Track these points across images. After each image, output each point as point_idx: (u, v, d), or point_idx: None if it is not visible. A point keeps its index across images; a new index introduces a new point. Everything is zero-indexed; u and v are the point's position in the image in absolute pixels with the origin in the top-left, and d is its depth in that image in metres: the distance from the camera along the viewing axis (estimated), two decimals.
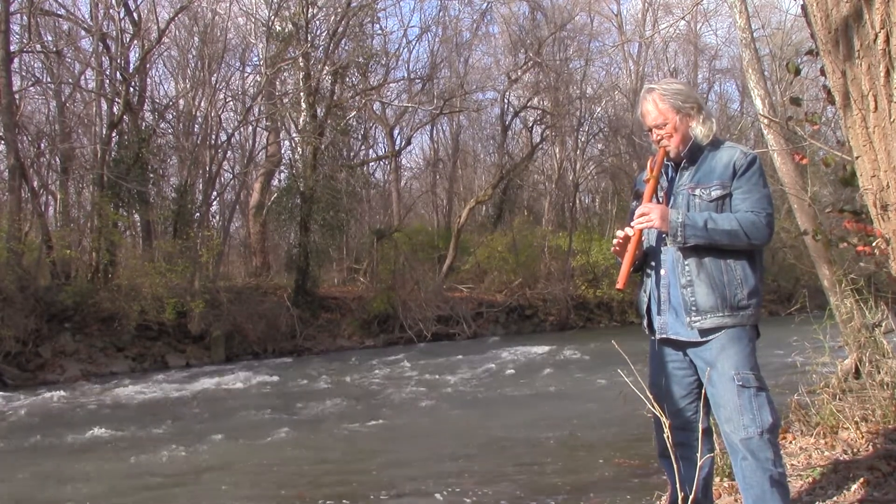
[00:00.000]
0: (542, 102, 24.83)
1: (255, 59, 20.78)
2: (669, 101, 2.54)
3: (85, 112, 17.93)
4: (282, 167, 22.90)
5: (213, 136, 18.80)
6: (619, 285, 2.49)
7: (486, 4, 24.39)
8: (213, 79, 18.26)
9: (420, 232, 24.17)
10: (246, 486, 5.67)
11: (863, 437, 3.66)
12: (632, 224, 2.53)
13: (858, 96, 2.11)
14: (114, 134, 16.70)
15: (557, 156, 26.04)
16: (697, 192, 2.51)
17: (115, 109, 16.47)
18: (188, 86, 18.92)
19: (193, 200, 18.07)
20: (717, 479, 3.28)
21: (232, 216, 21.16)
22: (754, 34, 6.92)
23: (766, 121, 6.14)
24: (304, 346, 16.81)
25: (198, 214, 18.17)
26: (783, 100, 15.15)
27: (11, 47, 14.97)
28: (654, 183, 2.58)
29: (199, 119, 18.41)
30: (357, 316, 18.35)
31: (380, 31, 23.10)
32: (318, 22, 19.64)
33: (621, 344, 2.54)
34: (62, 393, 10.95)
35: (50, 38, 17.37)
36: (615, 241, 2.57)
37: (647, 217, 2.46)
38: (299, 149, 20.08)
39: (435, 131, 27.36)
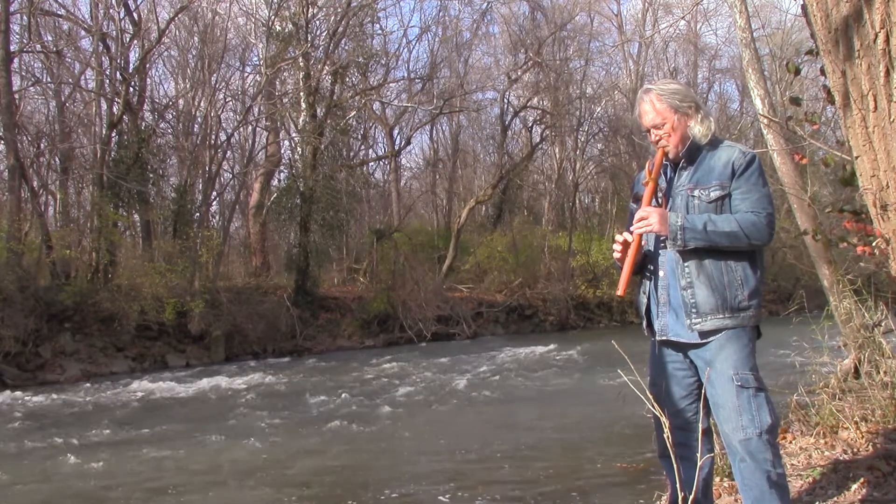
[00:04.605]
0: (541, 102, 24.84)
1: (255, 59, 20.79)
2: (667, 100, 2.53)
3: (85, 112, 17.91)
4: (282, 167, 22.93)
5: (213, 136, 18.80)
6: (619, 292, 2.49)
7: (486, 4, 24.45)
8: (212, 79, 18.26)
9: (420, 232, 24.17)
10: (245, 486, 5.67)
11: (862, 437, 3.66)
12: (631, 229, 2.52)
13: (858, 96, 2.10)
14: (114, 134, 16.69)
15: (557, 156, 26.04)
16: (696, 192, 2.49)
17: (114, 109, 16.47)
18: (188, 86, 18.91)
19: (193, 200, 18.07)
20: (717, 480, 3.27)
21: (232, 216, 21.15)
22: (754, 34, 6.92)
23: (765, 121, 6.14)
24: (304, 346, 16.80)
25: (198, 214, 18.17)
26: (783, 100, 15.15)
27: (11, 47, 14.98)
28: (652, 185, 2.56)
29: (199, 119, 18.42)
30: (357, 316, 18.35)
31: (380, 31, 23.14)
32: (318, 22, 19.66)
33: (621, 344, 2.54)
34: (62, 393, 10.95)
35: (50, 38, 17.37)
36: (617, 247, 2.55)
37: (647, 221, 2.45)
38: (299, 149, 20.08)
39: (435, 131, 27.42)
